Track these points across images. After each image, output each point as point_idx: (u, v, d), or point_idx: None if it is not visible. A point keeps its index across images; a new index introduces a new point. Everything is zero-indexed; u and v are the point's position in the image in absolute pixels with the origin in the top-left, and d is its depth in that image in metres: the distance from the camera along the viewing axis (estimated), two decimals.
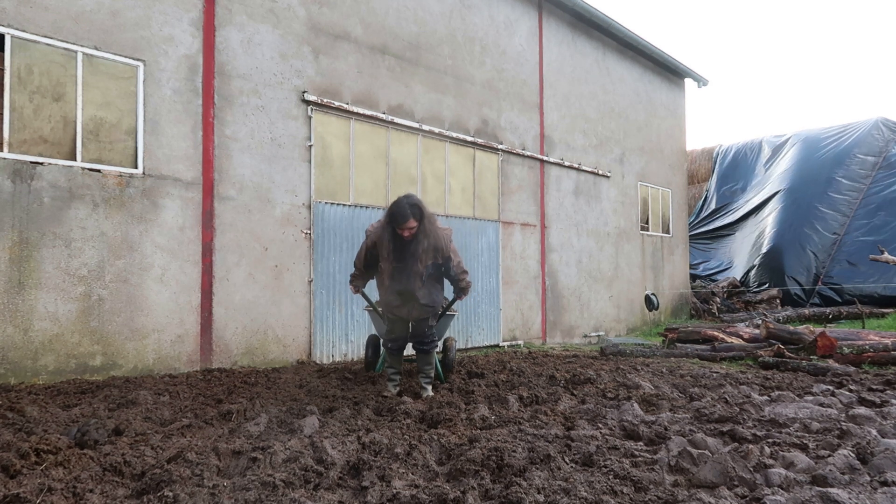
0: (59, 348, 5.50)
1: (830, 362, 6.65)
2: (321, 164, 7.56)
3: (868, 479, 2.73)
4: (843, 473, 2.78)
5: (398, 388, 5.13)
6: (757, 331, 8.37)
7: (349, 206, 7.81)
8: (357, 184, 7.95)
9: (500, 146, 9.91)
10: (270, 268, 7.00)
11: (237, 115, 6.79)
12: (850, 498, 2.39)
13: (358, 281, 5.08)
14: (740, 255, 17.35)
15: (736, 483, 2.64)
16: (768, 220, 16.83)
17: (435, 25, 9.06)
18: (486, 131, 9.77)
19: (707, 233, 19.05)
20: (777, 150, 18.86)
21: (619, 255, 12.83)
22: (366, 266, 4.98)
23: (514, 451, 2.95)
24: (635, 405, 4.24)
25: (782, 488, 2.60)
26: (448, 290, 5.35)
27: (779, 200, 17.04)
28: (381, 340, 5.63)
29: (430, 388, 5.05)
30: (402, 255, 4.68)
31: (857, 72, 58.03)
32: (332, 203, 7.63)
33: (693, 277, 17.24)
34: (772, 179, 17.98)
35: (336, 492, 2.56)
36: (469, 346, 9.22)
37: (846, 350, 6.98)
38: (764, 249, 16.40)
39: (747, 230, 17.63)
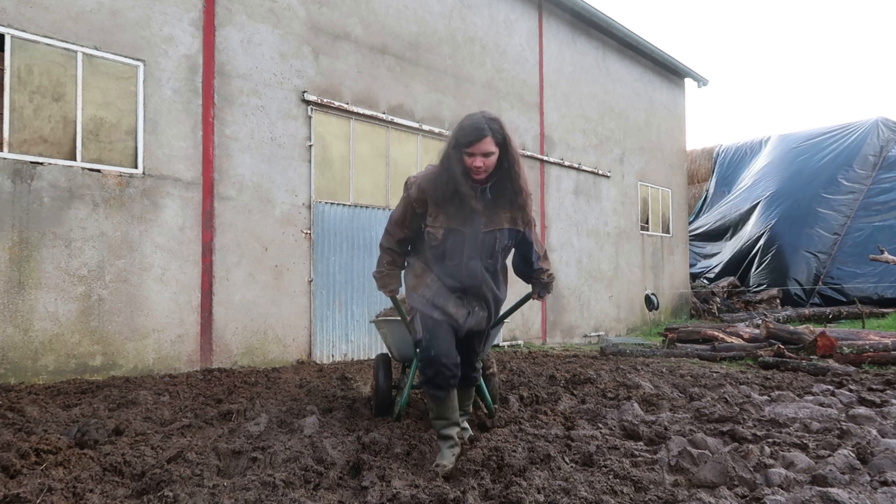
0: (59, 348, 5.50)
1: (830, 362, 6.65)
2: (321, 164, 7.56)
3: (868, 478, 2.73)
4: (843, 473, 2.77)
5: (457, 451, 3.03)
6: (757, 331, 8.36)
7: (349, 206, 7.81)
8: (357, 184, 7.95)
9: None
10: (270, 268, 7.00)
11: (237, 115, 6.79)
12: (850, 498, 2.38)
13: (392, 276, 3.21)
14: (737, 256, 17.33)
15: (736, 483, 2.64)
16: (767, 221, 16.82)
17: (435, 25, 9.06)
18: None
19: (702, 233, 19.06)
20: (776, 150, 18.86)
21: (619, 254, 12.83)
22: (404, 239, 3.15)
23: (514, 451, 2.95)
24: (635, 405, 4.24)
25: (782, 488, 2.60)
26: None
27: (778, 201, 17.04)
28: (415, 365, 3.62)
29: (466, 423, 3.48)
30: (468, 208, 2.90)
31: (857, 72, 58.02)
32: (332, 203, 7.63)
33: (693, 277, 17.24)
34: (771, 180, 17.98)
35: (336, 492, 2.56)
36: None
37: (846, 350, 6.98)
38: (765, 250, 16.40)
39: (744, 230, 17.61)
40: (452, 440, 3.05)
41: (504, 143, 2.85)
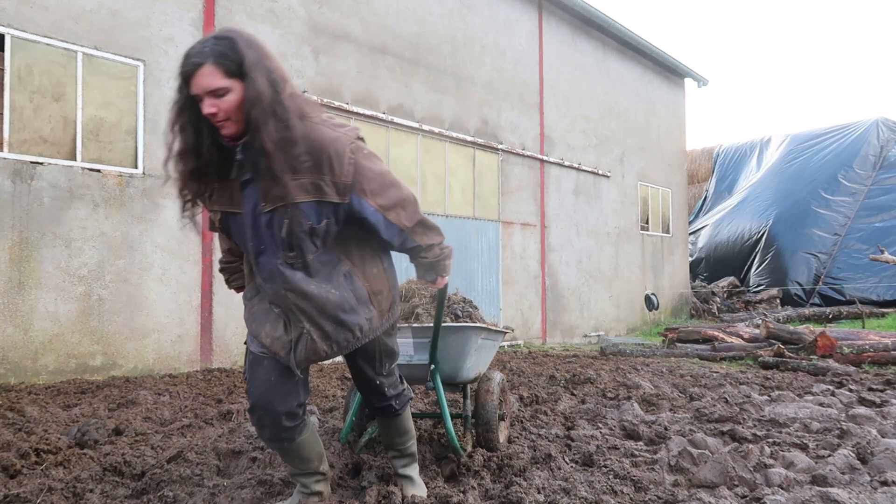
0: (59, 348, 5.50)
1: (830, 362, 6.65)
2: None
3: (868, 478, 2.73)
4: (843, 473, 2.77)
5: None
6: (757, 331, 8.36)
7: None
8: None
9: (500, 146, 9.91)
10: None
11: None
12: (850, 498, 2.38)
13: (232, 270, 2.39)
14: (736, 256, 17.32)
15: (736, 483, 2.64)
16: (766, 221, 16.81)
17: (435, 25, 9.06)
18: (486, 131, 9.76)
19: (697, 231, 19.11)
20: (776, 150, 18.85)
21: (619, 254, 12.83)
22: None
23: (515, 451, 2.95)
24: (635, 405, 4.24)
25: (782, 488, 2.60)
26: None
27: (777, 202, 17.02)
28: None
29: (414, 472, 2.51)
30: (228, 183, 2.01)
31: (857, 72, 58.03)
32: None
33: (693, 276, 17.24)
34: (771, 180, 17.97)
35: (336, 492, 2.56)
36: None
37: (846, 350, 6.98)
38: (764, 250, 16.39)
39: (742, 231, 17.58)
40: (307, 489, 2.24)
41: (240, 68, 1.74)
